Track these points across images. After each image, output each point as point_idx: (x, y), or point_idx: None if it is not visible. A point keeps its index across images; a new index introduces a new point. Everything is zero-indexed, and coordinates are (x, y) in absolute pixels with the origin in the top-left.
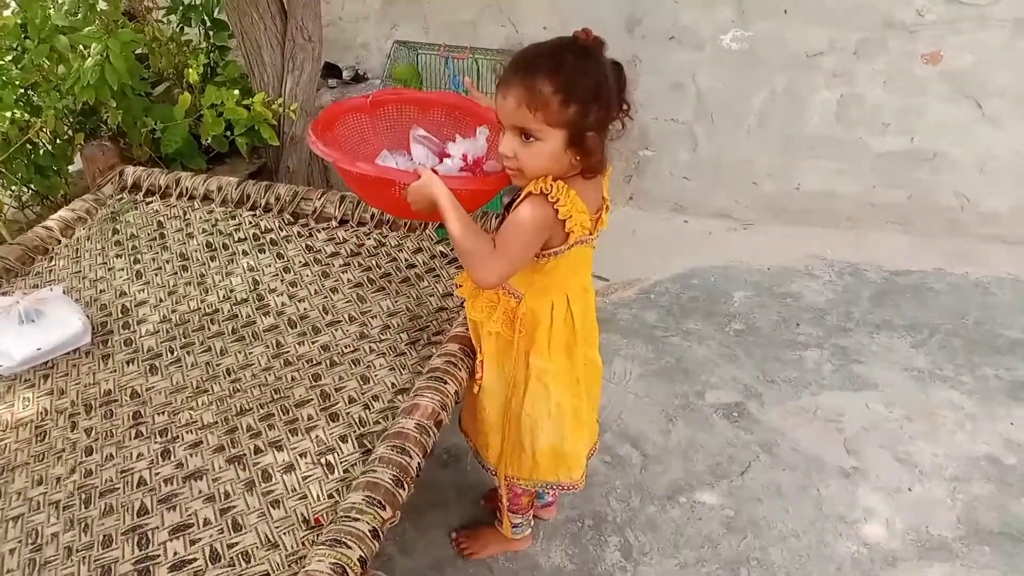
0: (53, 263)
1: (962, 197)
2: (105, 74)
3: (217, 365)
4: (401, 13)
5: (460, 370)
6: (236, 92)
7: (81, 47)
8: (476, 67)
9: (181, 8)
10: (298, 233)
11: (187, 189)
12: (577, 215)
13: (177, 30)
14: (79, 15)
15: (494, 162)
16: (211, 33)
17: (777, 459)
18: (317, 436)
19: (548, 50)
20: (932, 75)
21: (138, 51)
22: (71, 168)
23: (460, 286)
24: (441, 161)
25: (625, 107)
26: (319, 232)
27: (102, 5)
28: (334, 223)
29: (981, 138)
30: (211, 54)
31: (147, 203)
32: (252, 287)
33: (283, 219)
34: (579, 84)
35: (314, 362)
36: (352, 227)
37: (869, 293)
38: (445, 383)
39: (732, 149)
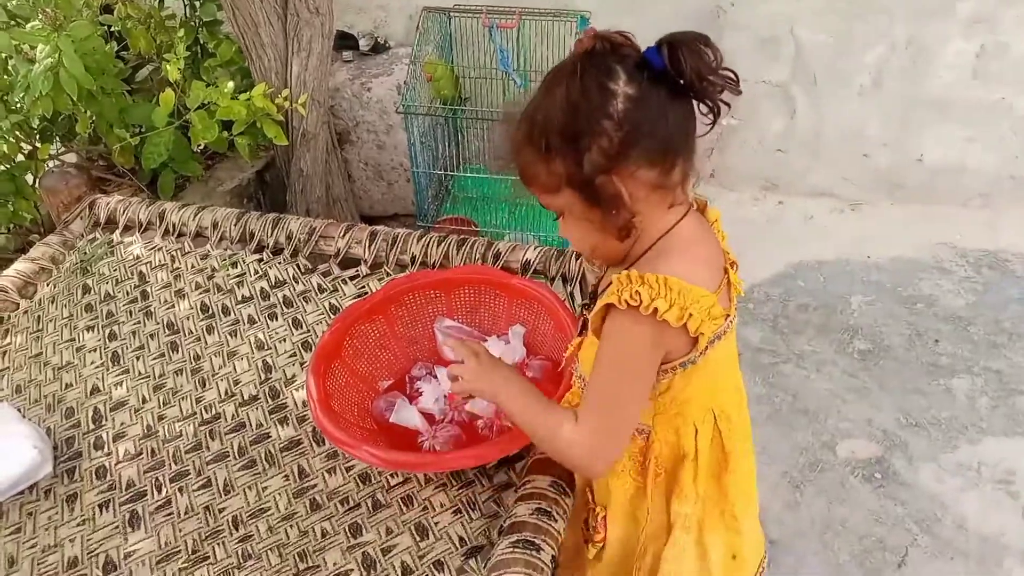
0: (8, 341)
1: None
2: (60, 80)
3: (220, 511)
4: None
5: (556, 521)
6: (230, 85)
7: (27, 47)
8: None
9: None
10: (318, 286)
11: (174, 225)
12: (698, 309)
13: (155, 4)
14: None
15: (539, 361)
16: (197, 5)
17: (941, 542)
18: None
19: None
20: None
21: (114, 29)
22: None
23: None
24: None
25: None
26: (345, 284)
27: None
28: (364, 269)
29: None
30: (198, 31)
31: (125, 245)
32: (263, 376)
33: (298, 266)
34: (543, 125)
35: (351, 503)
36: (389, 273)
37: (1018, 292)
38: (538, 550)
39: (839, 115)
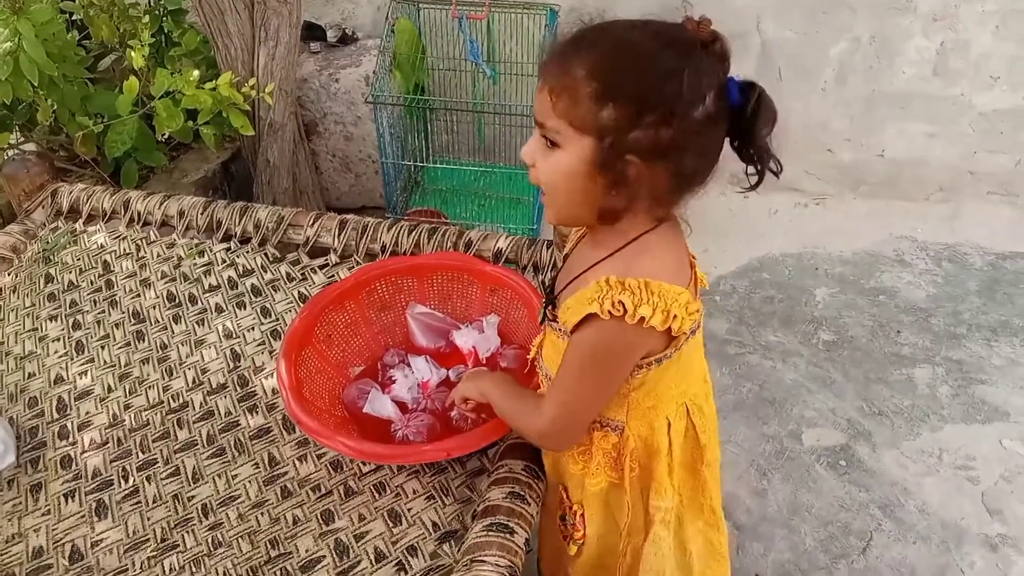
0: None
1: None
2: (20, 66)
3: (189, 499)
4: None
5: (529, 505)
6: (195, 73)
7: None
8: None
9: None
10: (287, 275)
11: (139, 214)
12: (679, 308)
13: None
14: None
15: (513, 351)
16: None
17: (904, 526)
18: None
19: (618, 26)
20: None
21: (75, 17)
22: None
23: None
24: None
25: (754, 153)
26: (315, 273)
27: None
28: (334, 258)
29: None
30: (163, 20)
31: (89, 234)
32: (231, 364)
33: (266, 255)
34: (630, 73)
35: (322, 491)
36: (358, 262)
37: (976, 284)
38: (512, 532)
39: (803, 110)
